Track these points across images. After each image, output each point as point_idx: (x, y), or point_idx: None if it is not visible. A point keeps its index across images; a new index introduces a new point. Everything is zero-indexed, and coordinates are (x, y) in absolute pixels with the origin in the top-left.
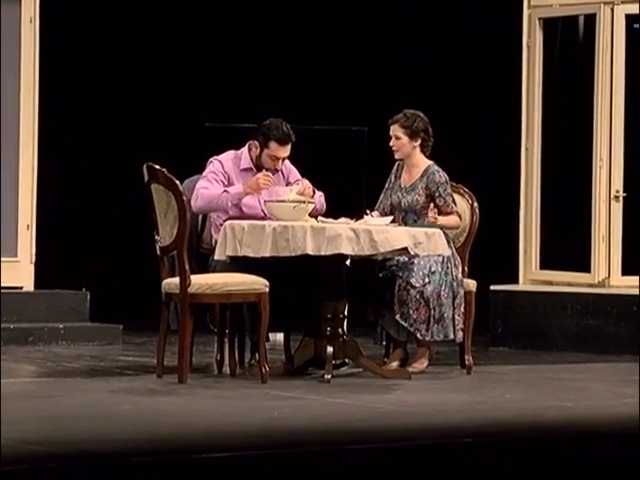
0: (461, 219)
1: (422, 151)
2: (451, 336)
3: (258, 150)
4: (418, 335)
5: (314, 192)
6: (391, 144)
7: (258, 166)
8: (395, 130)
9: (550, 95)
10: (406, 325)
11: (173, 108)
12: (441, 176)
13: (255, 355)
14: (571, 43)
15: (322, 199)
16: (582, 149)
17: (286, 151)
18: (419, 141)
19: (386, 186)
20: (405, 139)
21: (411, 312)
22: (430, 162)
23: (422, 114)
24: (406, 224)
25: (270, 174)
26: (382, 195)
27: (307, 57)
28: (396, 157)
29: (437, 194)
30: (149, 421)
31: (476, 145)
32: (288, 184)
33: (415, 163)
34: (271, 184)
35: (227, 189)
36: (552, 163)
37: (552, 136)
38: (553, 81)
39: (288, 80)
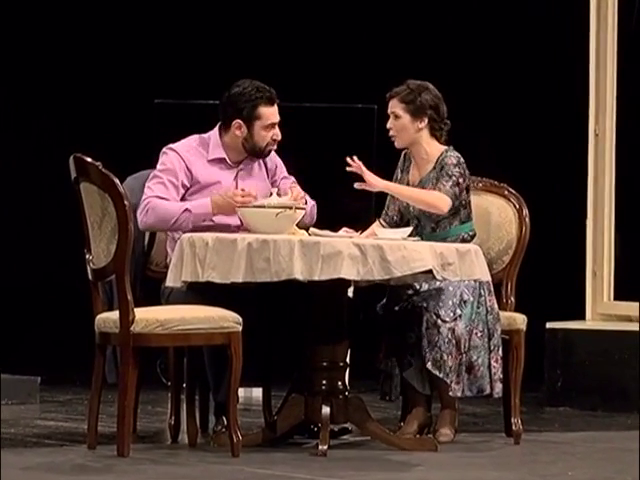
0: (448, 205)
1: (433, 135)
2: (487, 390)
3: (245, 130)
4: (450, 391)
5: (306, 202)
6: (388, 126)
7: (252, 152)
8: (393, 106)
9: (628, 62)
10: (441, 375)
11: (114, 82)
12: (451, 157)
13: (222, 418)
14: None
15: (314, 210)
16: None
17: (277, 113)
18: (425, 121)
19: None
20: (406, 118)
21: (445, 357)
22: (444, 147)
23: (432, 86)
24: (421, 236)
25: (251, 192)
26: (388, 198)
27: (296, 13)
28: (397, 145)
29: (440, 176)
30: None
31: (527, 131)
32: (274, 183)
33: (424, 154)
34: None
35: (189, 205)
36: (630, 154)
37: (630, 118)
38: (631, 42)
39: (267, 43)
